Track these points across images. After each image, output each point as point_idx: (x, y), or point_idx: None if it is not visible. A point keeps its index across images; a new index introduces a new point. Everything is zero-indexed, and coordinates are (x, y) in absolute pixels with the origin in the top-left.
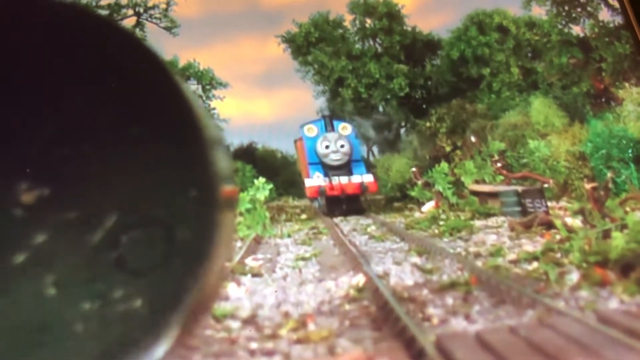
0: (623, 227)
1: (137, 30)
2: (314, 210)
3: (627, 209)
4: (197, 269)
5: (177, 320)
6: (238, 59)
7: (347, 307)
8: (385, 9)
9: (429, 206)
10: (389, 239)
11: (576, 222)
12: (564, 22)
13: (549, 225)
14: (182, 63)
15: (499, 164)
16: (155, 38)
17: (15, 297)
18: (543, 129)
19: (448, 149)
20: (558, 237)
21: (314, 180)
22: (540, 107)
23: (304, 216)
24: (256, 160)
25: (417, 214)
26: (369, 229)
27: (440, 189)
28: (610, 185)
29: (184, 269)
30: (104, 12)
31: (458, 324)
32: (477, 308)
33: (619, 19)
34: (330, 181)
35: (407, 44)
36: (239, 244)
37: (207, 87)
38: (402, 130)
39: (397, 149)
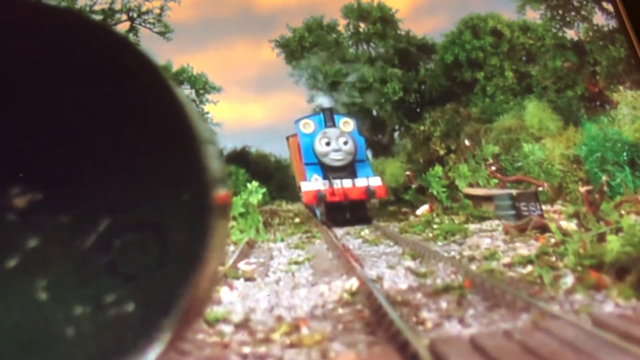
0: (618, 230)
1: (131, 35)
2: (307, 214)
3: (622, 212)
4: (190, 273)
5: (170, 324)
6: (232, 63)
7: (340, 311)
8: (379, 13)
9: (423, 210)
10: (383, 243)
11: (571, 225)
12: (558, 26)
13: (544, 229)
14: (175, 68)
15: (493, 168)
16: (149, 43)
17: (6, 301)
18: (537, 133)
19: (442, 152)
20: (553, 240)
21: (312, 184)
22: (534, 111)
23: (297, 220)
24: (249, 164)
25: (411, 218)
26: (362, 233)
27: (435, 192)
28: (605, 188)
29: (176, 273)
30: (98, 17)
31: (452, 327)
32: (471, 312)
33: (613, 23)
34: (331, 185)
35: (401, 48)
36: (231, 247)
37: (201, 91)
38: (396, 134)
39: (391, 153)
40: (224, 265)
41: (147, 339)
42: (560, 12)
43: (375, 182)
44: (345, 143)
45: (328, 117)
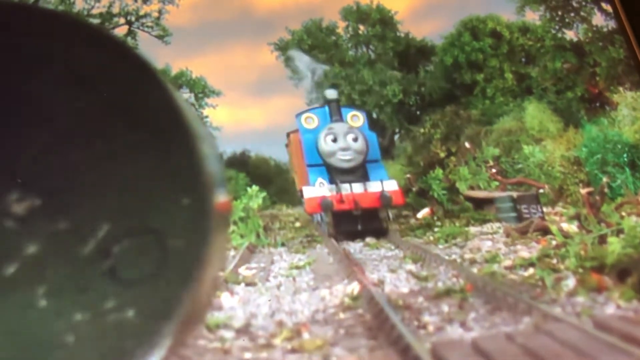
0: (619, 232)
1: (129, 39)
2: (307, 217)
3: (623, 213)
4: (190, 279)
5: (170, 330)
6: (230, 66)
7: (341, 315)
8: (378, 15)
9: (423, 213)
10: (384, 247)
11: (572, 227)
12: (557, 27)
13: (545, 231)
14: (174, 71)
15: (493, 170)
16: (147, 47)
17: (5, 308)
18: (538, 134)
19: (442, 155)
20: (554, 242)
21: (316, 189)
22: (534, 112)
23: (297, 224)
24: (249, 168)
25: (412, 221)
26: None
27: (435, 195)
28: (606, 190)
29: (176, 278)
30: (96, 21)
31: (454, 331)
32: (473, 315)
33: (612, 24)
34: (339, 190)
35: (401, 50)
36: (232, 252)
37: (200, 95)
38: (396, 137)
39: (392, 156)
40: (225, 271)
41: (147, 345)
42: (560, 13)
43: (391, 186)
44: (355, 140)
45: (334, 109)
